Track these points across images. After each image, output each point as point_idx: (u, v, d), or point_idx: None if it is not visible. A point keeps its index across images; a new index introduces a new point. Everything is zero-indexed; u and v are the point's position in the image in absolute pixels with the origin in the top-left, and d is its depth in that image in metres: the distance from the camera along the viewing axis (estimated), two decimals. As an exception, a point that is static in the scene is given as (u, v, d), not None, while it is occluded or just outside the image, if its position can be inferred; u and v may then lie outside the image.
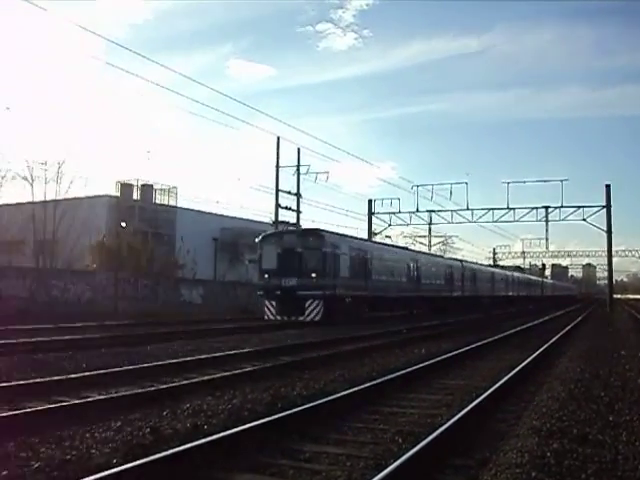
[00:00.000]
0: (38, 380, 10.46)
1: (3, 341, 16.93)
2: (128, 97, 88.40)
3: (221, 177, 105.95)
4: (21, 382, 10.21)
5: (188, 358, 13.94)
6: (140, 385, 10.66)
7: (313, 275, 27.91)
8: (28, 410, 8.17)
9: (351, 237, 36.62)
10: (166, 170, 74.33)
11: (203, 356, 14.34)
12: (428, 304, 42.64)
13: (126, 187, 47.42)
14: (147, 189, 48.11)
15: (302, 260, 28.59)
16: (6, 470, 5.75)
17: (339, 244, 30.99)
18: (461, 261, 57.02)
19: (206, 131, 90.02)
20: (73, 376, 10.98)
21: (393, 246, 44.76)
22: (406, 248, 46.91)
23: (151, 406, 8.66)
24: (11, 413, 7.94)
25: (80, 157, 73.46)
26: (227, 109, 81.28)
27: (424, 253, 51.12)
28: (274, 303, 28.57)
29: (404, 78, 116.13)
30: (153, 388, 10.25)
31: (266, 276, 29.08)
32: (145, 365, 12.55)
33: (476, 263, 66.85)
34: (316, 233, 30.47)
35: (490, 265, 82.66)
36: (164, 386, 10.39)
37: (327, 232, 31.80)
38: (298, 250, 28.76)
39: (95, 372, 11.45)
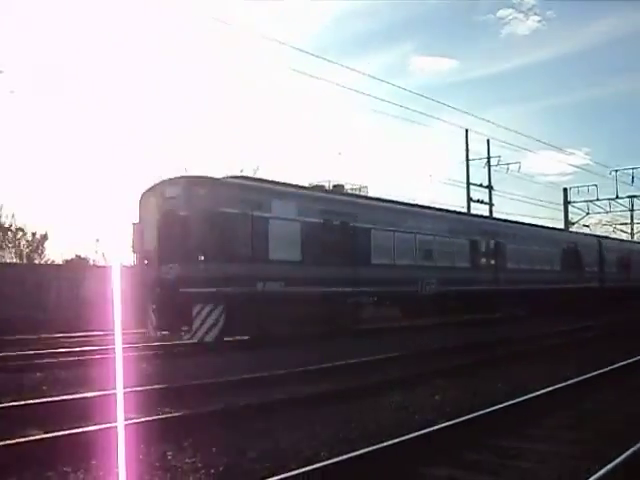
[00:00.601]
0: (253, 375, 10.98)
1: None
2: (315, 101, 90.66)
3: (411, 173, 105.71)
4: (230, 378, 10.72)
5: (395, 353, 14.02)
6: (344, 380, 10.83)
7: (201, 258, 16.24)
8: (241, 404, 8.67)
9: (312, 190, 22.42)
10: (356, 169, 75.67)
11: (404, 352, 14.40)
12: (521, 301, 28.89)
13: (318, 188, 48.77)
14: (338, 189, 49.17)
15: (187, 231, 16.65)
16: (226, 457, 6.17)
17: (267, 202, 18.01)
18: (598, 237, 42.29)
19: (393, 128, 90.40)
20: (281, 372, 11.39)
21: (428, 208, 27.25)
22: (465, 214, 30.86)
23: (355, 401, 8.86)
24: (224, 406, 8.43)
25: (274, 162, 76.44)
26: (413, 105, 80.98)
27: (511, 222, 34.13)
28: (155, 308, 17.06)
29: (592, 58, 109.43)
30: (357, 383, 10.43)
31: (145, 262, 17.76)
32: (351, 361, 12.74)
33: (630, 241, 52.41)
34: (207, 182, 17.53)
35: None
36: (367, 382, 10.56)
37: (238, 179, 19.32)
38: (181, 214, 16.89)
39: (299, 369, 11.80)
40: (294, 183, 21.31)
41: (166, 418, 7.62)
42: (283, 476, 5.05)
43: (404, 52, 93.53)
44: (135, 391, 8.82)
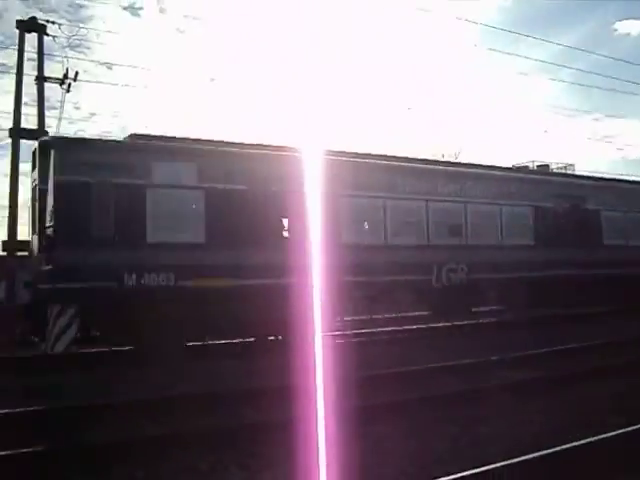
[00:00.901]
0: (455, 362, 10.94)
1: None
2: (514, 79, 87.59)
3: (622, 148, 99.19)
4: (434, 364, 10.73)
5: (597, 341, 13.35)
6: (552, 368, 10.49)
7: (44, 244, 12.78)
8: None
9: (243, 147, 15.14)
10: (562, 147, 72.09)
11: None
12: (623, 291, 19.76)
13: (523, 169, 47.61)
14: (543, 169, 47.68)
15: (42, 210, 13.02)
16: (439, 443, 6.20)
17: (143, 164, 13.18)
18: None
19: (598, 101, 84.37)
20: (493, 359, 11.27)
21: (458, 165, 20.56)
22: (530, 170, 23.68)
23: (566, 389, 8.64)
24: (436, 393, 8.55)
25: (475, 145, 75.02)
26: (618, 74, 75.18)
27: (612, 181, 24.07)
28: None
29: None
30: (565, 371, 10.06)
31: (26, 252, 15.40)
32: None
33: None
34: (57, 144, 13.14)
35: None
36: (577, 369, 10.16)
37: (112, 140, 15.05)
38: (39, 188, 13.32)
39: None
40: (198, 137, 15.03)
41: (374, 404, 7.73)
42: (492, 467, 4.95)
43: (607, 19, 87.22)
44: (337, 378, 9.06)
